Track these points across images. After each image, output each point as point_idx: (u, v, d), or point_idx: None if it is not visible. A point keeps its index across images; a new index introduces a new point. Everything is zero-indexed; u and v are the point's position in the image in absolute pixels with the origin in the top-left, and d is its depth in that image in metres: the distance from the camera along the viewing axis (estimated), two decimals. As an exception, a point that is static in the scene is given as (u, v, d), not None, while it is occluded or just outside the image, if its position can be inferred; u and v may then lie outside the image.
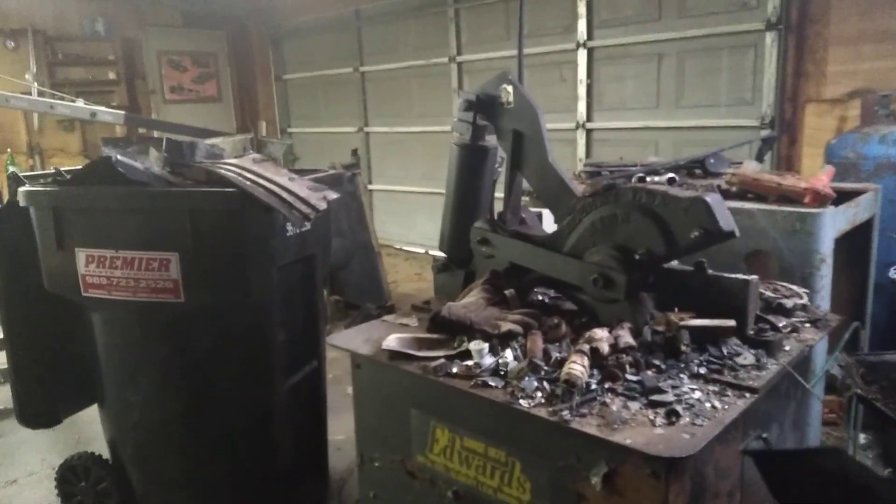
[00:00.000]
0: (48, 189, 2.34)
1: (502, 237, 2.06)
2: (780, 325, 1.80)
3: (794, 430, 1.94)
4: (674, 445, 1.32)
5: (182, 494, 2.48)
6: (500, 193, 2.19)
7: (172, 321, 2.26)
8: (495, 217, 2.17)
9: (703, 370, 1.60)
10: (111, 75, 7.78)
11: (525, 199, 2.45)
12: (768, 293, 1.98)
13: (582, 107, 5.81)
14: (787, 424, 1.87)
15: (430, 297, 2.30)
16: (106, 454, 2.62)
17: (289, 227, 2.36)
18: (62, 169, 2.73)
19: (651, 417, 1.42)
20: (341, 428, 3.12)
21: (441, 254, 2.39)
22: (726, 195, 2.43)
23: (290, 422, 2.58)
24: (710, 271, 1.79)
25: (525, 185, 2.19)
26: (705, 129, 5.12)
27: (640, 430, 1.38)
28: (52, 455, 3.24)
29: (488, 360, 1.67)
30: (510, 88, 2.04)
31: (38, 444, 3.37)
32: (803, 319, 1.89)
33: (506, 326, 1.77)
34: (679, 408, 1.43)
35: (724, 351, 1.66)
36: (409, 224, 7.64)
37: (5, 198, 2.82)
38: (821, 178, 2.41)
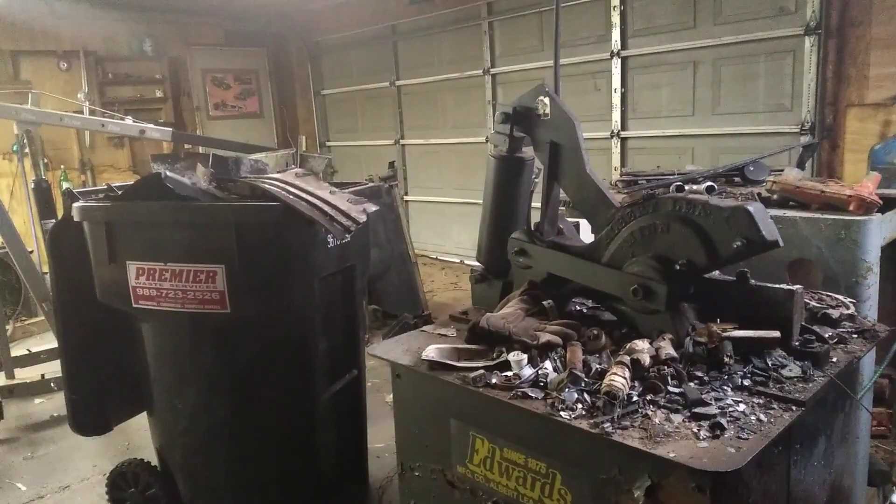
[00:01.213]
0: (101, 204, 2.43)
1: (540, 248, 2.07)
2: (827, 335, 1.77)
3: (841, 444, 1.89)
4: (719, 459, 1.30)
5: (227, 500, 2.54)
6: (536, 204, 2.21)
7: (219, 331, 2.32)
8: (532, 228, 2.18)
9: (747, 382, 1.57)
10: (158, 93, 8.05)
11: (561, 209, 2.45)
12: (813, 303, 1.95)
13: (616, 115, 5.78)
14: (834, 437, 1.83)
15: (467, 308, 2.32)
16: (154, 461, 2.69)
17: (330, 239, 2.41)
18: (113, 185, 2.84)
19: (695, 430, 1.41)
20: (380, 436, 3.15)
21: (478, 264, 2.41)
22: (767, 203, 2.39)
23: (331, 429, 2.63)
24: (752, 281, 1.77)
25: (562, 195, 2.20)
26: (743, 135, 5.04)
27: (684, 444, 1.37)
28: (102, 461, 3.35)
29: (528, 371, 1.68)
30: (547, 100, 2.05)
31: (90, 450, 3.48)
32: (850, 330, 1.85)
33: (545, 337, 1.78)
34: (723, 420, 1.41)
35: (769, 362, 1.63)
36: (444, 234, 7.69)
37: (60, 213, 2.95)
38: (866, 184, 2.36)
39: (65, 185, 6.47)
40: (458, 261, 7.38)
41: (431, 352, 1.82)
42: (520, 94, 2.14)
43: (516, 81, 6.54)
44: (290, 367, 2.43)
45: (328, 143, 9.02)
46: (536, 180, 2.33)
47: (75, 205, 2.42)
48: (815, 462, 1.74)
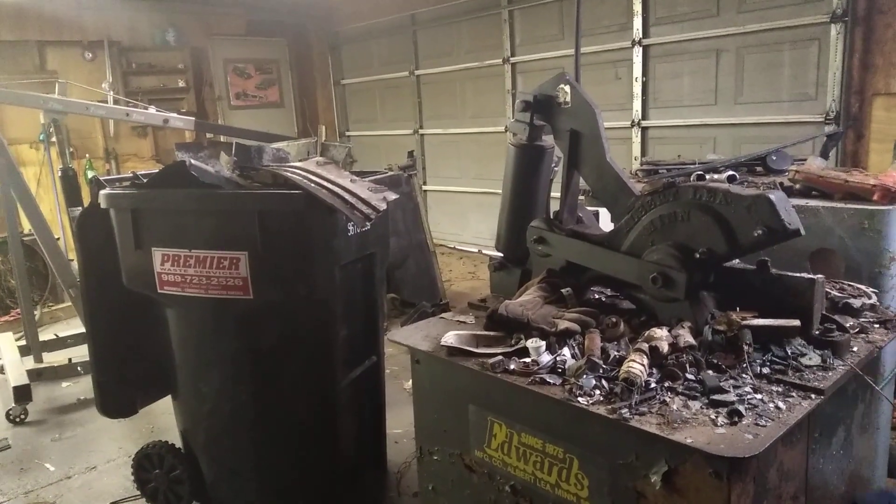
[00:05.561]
0: (127, 192, 2.48)
1: (559, 236, 2.08)
2: (848, 325, 1.76)
3: (861, 434, 1.88)
4: (736, 445, 1.31)
5: (249, 482, 2.59)
6: (555, 192, 2.21)
7: (242, 317, 2.36)
8: (552, 216, 2.19)
9: (766, 370, 1.58)
10: (181, 83, 8.12)
11: (580, 197, 2.45)
12: (835, 293, 1.94)
13: (637, 105, 5.73)
14: (854, 427, 1.82)
15: (486, 295, 2.34)
16: (178, 443, 2.75)
17: (350, 227, 2.44)
18: (138, 173, 2.89)
19: (712, 417, 1.42)
20: (399, 422, 3.19)
21: (497, 253, 2.42)
22: (789, 193, 2.37)
23: (351, 414, 2.67)
24: (773, 270, 1.76)
25: (581, 183, 2.20)
26: (766, 125, 4.98)
27: (701, 430, 1.38)
28: (128, 443, 3.43)
29: (546, 358, 1.69)
30: (567, 88, 2.06)
31: (115, 432, 3.57)
32: (872, 320, 1.84)
33: (563, 324, 1.79)
34: (741, 408, 1.42)
35: (789, 351, 1.63)
36: (462, 224, 7.70)
37: (86, 201, 3.00)
38: (891, 174, 2.33)
39: (90, 174, 6.58)
40: (476, 250, 7.39)
41: (450, 338, 1.85)
42: (540, 83, 2.14)
43: (536, 70, 6.50)
44: (311, 353, 2.46)
45: (348, 133, 9.06)
46: (556, 169, 2.34)
47: (102, 192, 2.46)
48: (834, 451, 1.74)
